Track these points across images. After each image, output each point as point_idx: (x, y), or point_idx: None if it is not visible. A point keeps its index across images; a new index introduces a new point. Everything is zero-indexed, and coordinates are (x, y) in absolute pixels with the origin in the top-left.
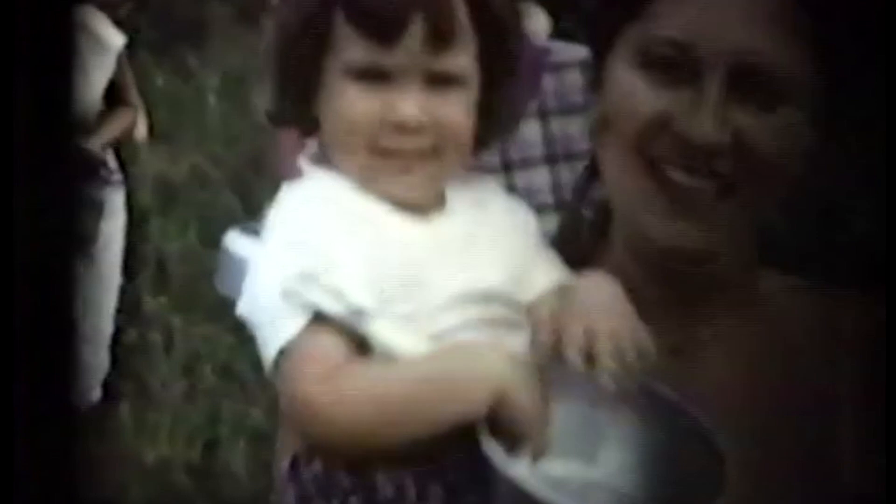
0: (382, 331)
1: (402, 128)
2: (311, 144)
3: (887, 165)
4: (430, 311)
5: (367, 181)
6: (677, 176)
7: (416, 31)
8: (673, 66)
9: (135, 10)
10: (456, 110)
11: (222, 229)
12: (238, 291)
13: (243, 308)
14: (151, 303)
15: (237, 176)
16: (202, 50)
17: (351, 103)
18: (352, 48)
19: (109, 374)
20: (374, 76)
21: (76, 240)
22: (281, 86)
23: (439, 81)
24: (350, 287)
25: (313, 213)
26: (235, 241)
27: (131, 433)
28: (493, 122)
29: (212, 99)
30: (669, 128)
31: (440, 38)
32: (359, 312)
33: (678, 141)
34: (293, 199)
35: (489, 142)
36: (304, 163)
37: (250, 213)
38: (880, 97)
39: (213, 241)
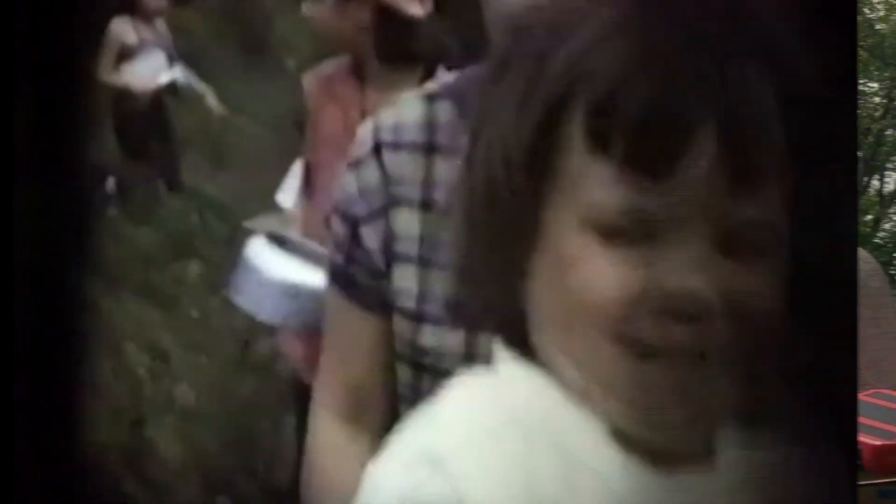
0: None
1: (676, 310)
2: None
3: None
4: None
5: (605, 400)
6: None
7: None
8: None
9: None
10: (764, 287)
11: (148, 208)
12: (250, 302)
13: None
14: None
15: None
16: None
17: (593, 270)
18: (596, 183)
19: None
20: (630, 227)
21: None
22: (477, 246)
23: (737, 241)
24: None
25: (475, 424)
26: (256, 248)
27: None
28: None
29: None
30: None
31: (746, 166)
32: None
33: None
34: (457, 393)
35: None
36: (496, 345)
37: (174, 191)
38: None
39: (139, 220)
